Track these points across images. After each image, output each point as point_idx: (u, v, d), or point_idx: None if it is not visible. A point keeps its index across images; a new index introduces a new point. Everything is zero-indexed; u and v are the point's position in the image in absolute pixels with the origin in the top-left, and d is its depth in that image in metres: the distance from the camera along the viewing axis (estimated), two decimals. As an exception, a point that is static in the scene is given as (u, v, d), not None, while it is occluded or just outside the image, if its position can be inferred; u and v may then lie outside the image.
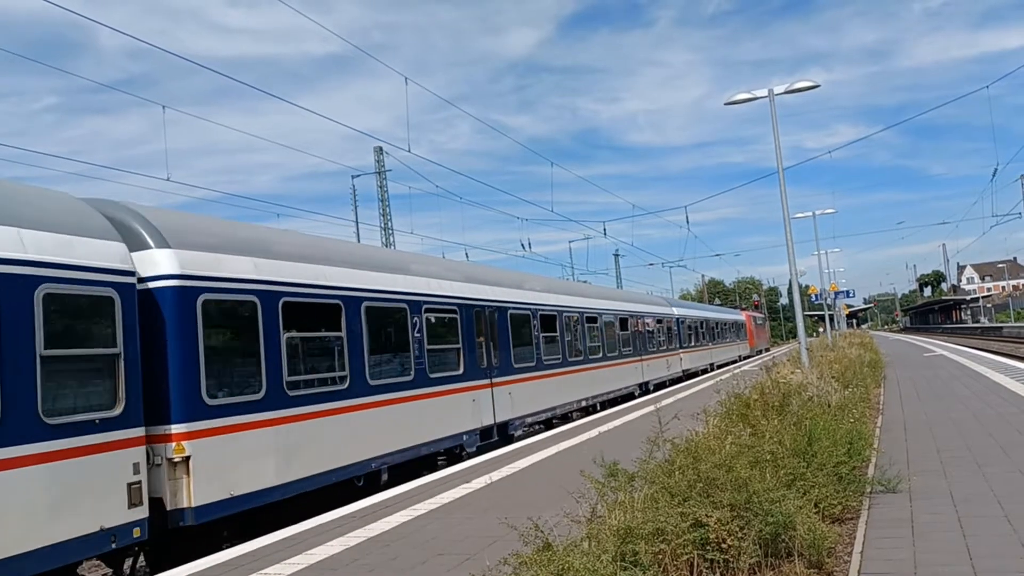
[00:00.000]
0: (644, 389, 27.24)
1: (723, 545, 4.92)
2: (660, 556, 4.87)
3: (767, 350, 66.92)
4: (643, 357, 27.66)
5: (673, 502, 5.31)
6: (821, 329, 61.60)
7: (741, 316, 59.92)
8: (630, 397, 25.09)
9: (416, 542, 7.51)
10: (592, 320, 22.52)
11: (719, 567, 4.94)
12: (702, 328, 40.06)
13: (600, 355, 22.70)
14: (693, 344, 37.12)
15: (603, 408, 21.95)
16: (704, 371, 38.39)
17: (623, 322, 25.70)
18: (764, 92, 20.52)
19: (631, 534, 4.95)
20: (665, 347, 31.46)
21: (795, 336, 30.78)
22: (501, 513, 7.26)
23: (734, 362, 47.83)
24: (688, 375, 34.45)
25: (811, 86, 20.20)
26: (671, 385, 30.07)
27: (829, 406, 10.39)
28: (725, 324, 49.17)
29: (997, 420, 12.19)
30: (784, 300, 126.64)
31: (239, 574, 6.82)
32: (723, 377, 24.93)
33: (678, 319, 34.54)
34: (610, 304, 25.13)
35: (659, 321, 30.95)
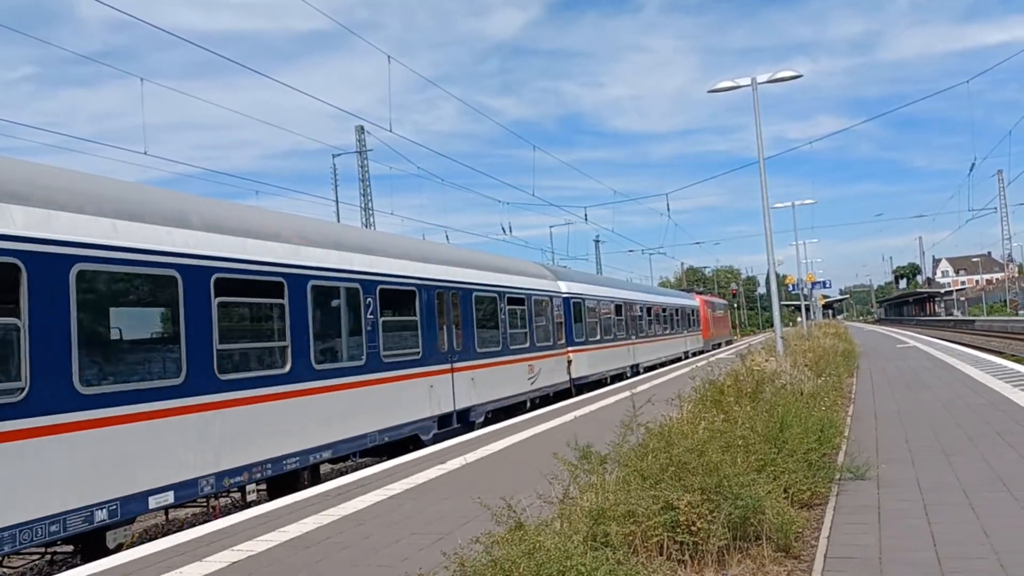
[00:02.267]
0: (462, 421, 15.60)
1: (693, 528, 5.00)
2: (631, 537, 4.94)
3: (728, 343, 57.23)
4: (459, 365, 15.61)
5: (645, 485, 5.38)
6: (798, 319, 60.46)
7: (694, 301, 49.15)
8: (412, 443, 13.65)
9: (390, 521, 7.55)
10: (291, 293, 10.77)
11: (688, 549, 5.02)
12: (619, 315, 28.45)
13: (327, 363, 11.45)
14: (600, 338, 25.54)
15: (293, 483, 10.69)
16: (621, 376, 27.81)
17: (401, 299, 13.99)
18: (747, 81, 20.59)
19: (603, 515, 5.02)
20: (532, 345, 19.72)
21: (771, 325, 27.63)
22: (475, 493, 7.30)
23: (677, 360, 37.81)
24: (586, 385, 23.39)
25: (794, 76, 20.31)
26: (538, 407, 18.87)
27: (802, 394, 10.52)
28: (665, 311, 37.70)
29: (965, 411, 12.40)
30: (762, 289, 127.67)
31: (212, 550, 6.82)
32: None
33: (569, 300, 23.11)
34: (366, 263, 12.88)
35: (517, 301, 19.18)
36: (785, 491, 6.24)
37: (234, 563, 6.40)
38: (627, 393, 14.54)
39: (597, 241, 75.85)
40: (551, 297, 21.93)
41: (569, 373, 22.45)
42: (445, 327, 15.36)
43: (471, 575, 4.22)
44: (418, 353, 14.13)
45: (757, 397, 9.31)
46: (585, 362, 23.65)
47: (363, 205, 45.89)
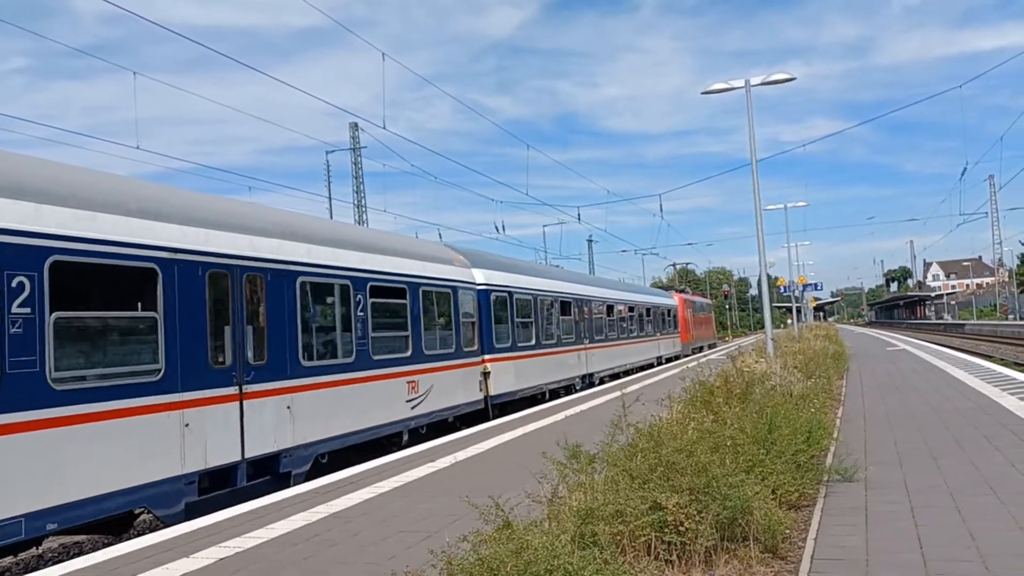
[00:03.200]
0: (267, 473, 10.45)
1: (680, 528, 5.01)
2: (619, 537, 4.95)
3: (712, 346, 52.29)
4: (258, 387, 10.27)
5: (633, 485, 5.39)
6: (789, 321, 60.27)
7: (671, 299, 43.86)
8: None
9: (378, 519, 7.54)
10: None
11: (676, 549, 5.03)
12: (566, 314, 23.68)
13: None
14: (535, 342, 20.59)
15: None
16: (569, 389, 23.01)
17: (122, 282, 8.97)
18: (741, 83, 20.64)
19: (591, 515, 5.03)
20: (417, 352, 14.48)
21: (762, 327, 26.85)
22: (464, 492, 7.29)
23: (648, 367, 33.28)
24: (513, 403, 18.42)
25: (787, 79, 20.36)
26: (427, 438, 13.68)
27: (791, 395, 10.55)
28: (633, 309, 32.62)
29: (954, 414, 12.45)
30: (754, 291, 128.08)
31: (200, 546, 6.81)
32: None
33: (488, 293, 18.00)
34: (16, 215, 7.50)
35: (392, 292, 14.02)
36: (773, 492, 6.26)
37: (222, 559, 6.39)
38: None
39: (590, 241, 75.83)
40: (456, 288, 16.52)
41: (486, 389, 17.38)
42: (230, 328, 9.97)
43: (458, 573, 4.22)
44: (158, 371, 8.77)
45: (747, 398, 9.33)
46: (510, 374, 18.57)
47: (356, 202, 45.83)
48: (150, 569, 6.19)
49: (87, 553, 6.87)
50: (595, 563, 4.22)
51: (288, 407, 10.78)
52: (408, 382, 14.10)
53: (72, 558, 6.81)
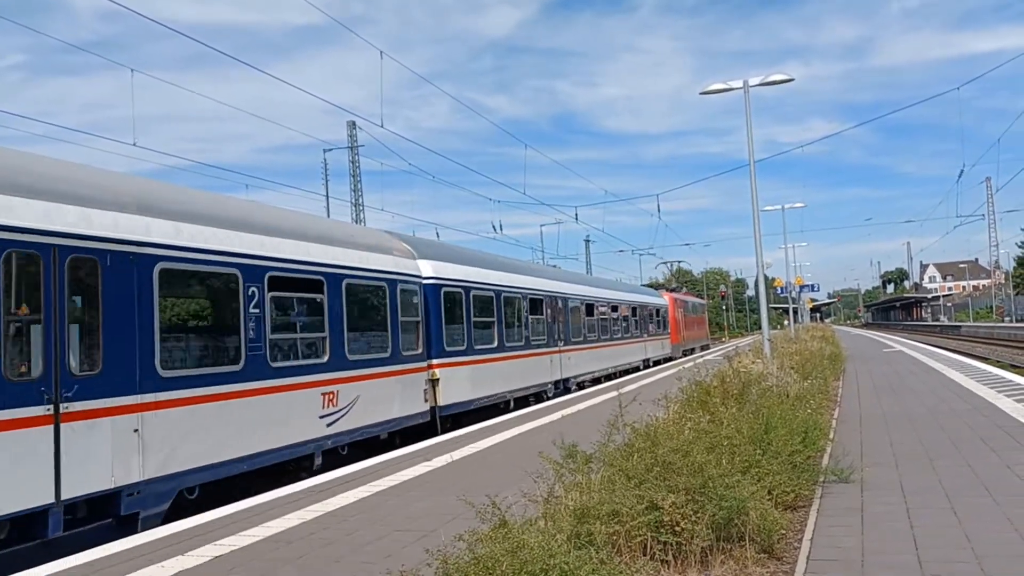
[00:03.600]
0: (113, 514, 8.31)
1: (676, 528, 5.01)
2: (614, 537, 4.95)
3: (704, 348, 50.04)
4: (81, 405, 7.80)
5: (629, 484, 5.38)
6: (786, 322, 60.03)
7: (660, 298, 41.30)
8: None
9: (374, 517, 7.53)
10: None
11: (672, 549, 5.03)
12: (537, 312, 21.39)
13: None
14: (497, 344, 18.28)
15: None
16: (540, 396, 20.95)
17: None
18: (739, 83, 20.63)
19: (587, 515, 5.03)
20: (337, 358, 12.06)
21: (759, 328, 26.34)
22: (460, 491, 7.28)
23: (634, 370, 31.03)
24: (468, 414, 16.39)
25: (786, 79, 20.36)
26: (350, 460, 11.78)
27: (788, 396, 10.56)
28: (616, 309, 30.31)
29: (950, 415, 12.46)
30: (751, 292, 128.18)
31: (194, 544, 6.79)
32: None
33: (437, 288, 15.90)
34: None
35: (302, 285, 11.68)
36: (769, 493, 6.26)
37: (217, 557, 6.38)
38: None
39: (587, 241, 75.93)
40: (394, 282, 14.12)
41: (434, 399, 15.23)
42: (42, 328, 7.55)
43: (454, 573, 4.21)
44: None
45: (743, 399, 9.33)
46: (464, 381, 16.42)
47: (353, 201, 45.81)
48: (145, 567, 6.18)
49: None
50: (591, 563, 4.21)
51: (135, 430, 8.34)
52: (323, 393, 11.62)
53: (66, 556, 6.78)
